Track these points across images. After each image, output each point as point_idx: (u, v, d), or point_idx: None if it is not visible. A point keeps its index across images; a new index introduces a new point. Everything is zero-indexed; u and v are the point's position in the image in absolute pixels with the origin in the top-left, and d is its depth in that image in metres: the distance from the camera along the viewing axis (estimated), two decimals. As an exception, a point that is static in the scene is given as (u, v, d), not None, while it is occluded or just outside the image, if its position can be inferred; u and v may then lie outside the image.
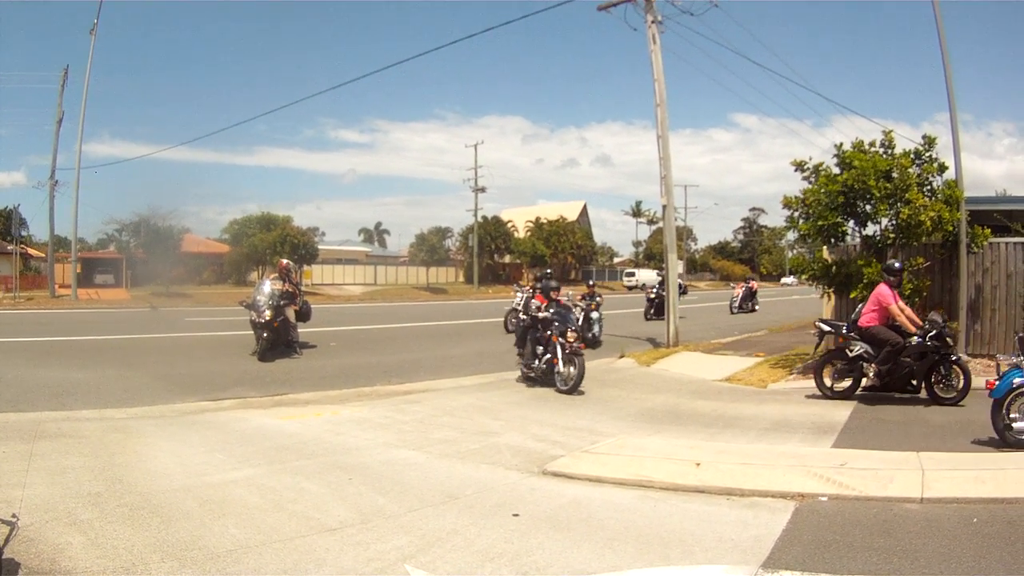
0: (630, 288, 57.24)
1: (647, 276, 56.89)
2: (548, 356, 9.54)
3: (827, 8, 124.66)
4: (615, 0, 14.62)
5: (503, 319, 17.36)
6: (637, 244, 78.83)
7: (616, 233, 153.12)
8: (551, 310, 9.93)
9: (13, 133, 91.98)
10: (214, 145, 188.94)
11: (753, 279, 32.46)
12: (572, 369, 9.24)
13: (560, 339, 9.34)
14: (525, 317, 10.55)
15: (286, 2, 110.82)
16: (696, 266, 73.75)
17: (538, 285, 17.26)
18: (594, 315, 15.14)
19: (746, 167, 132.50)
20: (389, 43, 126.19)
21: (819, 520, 4.27)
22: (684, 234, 70.64)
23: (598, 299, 15.64)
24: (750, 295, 27.57)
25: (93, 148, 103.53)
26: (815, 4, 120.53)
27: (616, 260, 78.49)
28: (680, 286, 20.90)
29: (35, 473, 5.04)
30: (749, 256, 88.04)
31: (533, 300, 10.55)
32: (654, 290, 23.52)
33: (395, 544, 3.86)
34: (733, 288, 32.70)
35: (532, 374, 9.83)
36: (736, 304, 26.83)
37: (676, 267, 15.32)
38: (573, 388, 9.13)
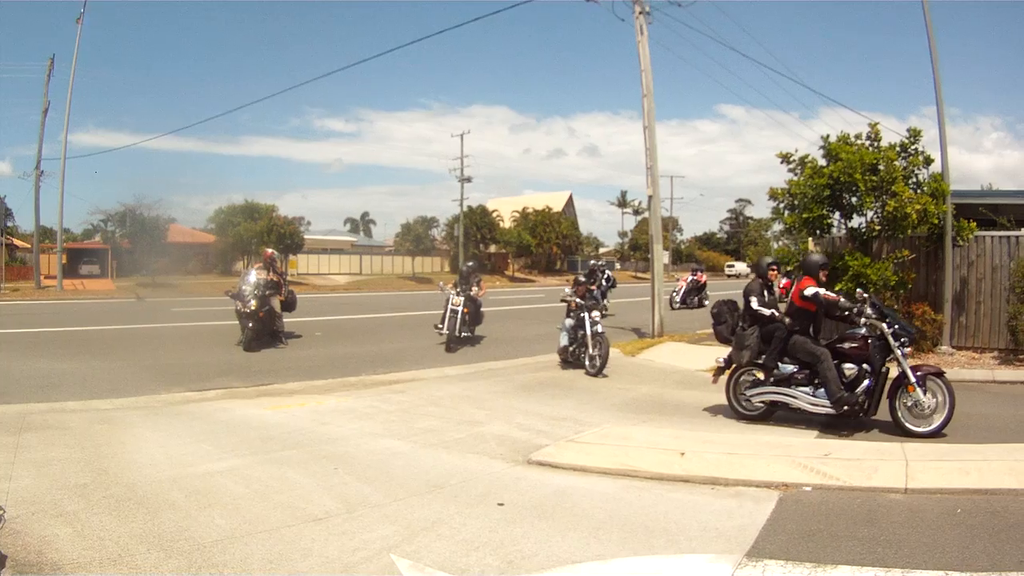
0: (728, 276, 65.36)
1: (743, 267, 65.06)
2: (868, 383, 6.38)
3: (815, 0, 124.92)
4: (604, -10, 14.56)
5: (445, 340, 12.68)
6: (623, 234, 78.87)
7: (602, 223, 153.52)
8: (871, 304, 6.58)
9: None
10: (200, 134, 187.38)
11: (701, 270, 24.55)
12: (934, 398, 6.20)
13: (902, 350, 6.39)
14: (768, 312, 6.99)
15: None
16: (682, 257, 73.85)
17: (466, 286, 13.02)
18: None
19: (732, 158, 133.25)
20: (374, 32, 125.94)
21: (803, 510, 4.31)
22: (670, 224, 70.92)
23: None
24: (696, 288, 22.40)
25: (79, 138, 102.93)
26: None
27: (601, 250, 78.60)
28: (609, 278, 19.39)
29: (21, 465, 5.00)
30: (735, 247, 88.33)
31: (807, 287, 6.75)
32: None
33: (380, 533, 3.87)
34: (678, 280, 25.64)
35: (832, 407, 6.43)
36: (679, 298, 22.00)
37: (662, 257, 15.35)
38: (938, 430, 6.10)
